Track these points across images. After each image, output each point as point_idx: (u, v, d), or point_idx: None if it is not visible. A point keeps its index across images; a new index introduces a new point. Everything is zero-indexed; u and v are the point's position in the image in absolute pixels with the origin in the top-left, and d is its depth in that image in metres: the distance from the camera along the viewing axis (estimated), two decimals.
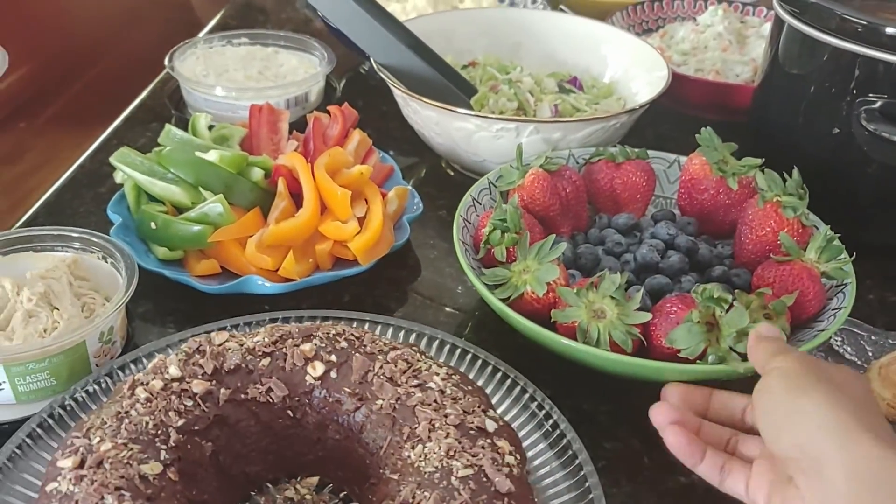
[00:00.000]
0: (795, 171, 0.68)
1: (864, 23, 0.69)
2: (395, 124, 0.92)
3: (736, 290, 0.59)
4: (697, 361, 0.57)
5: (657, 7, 1.15)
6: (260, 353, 0.53)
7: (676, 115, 1.00)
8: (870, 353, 0.63)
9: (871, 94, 0.70)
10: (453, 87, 0.87)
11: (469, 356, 0.61)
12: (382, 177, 0.84)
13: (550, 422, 0.56)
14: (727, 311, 0.57)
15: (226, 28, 1.10)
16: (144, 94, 1.05)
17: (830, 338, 0.63)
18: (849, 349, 0.63)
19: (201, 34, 1.18)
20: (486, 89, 0.91)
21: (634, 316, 0.58)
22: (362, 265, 0.72)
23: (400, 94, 0.85)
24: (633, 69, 0.94)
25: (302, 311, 0.64)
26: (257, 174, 0.78)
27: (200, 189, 0.74)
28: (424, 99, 0.81)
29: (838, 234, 0.64)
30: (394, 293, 0.74)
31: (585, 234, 0.73)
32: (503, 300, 0.62)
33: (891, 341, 0.64)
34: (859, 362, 0.63)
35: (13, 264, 0.67)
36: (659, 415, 0.52)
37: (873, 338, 0.64)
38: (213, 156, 0.76)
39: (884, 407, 0.57)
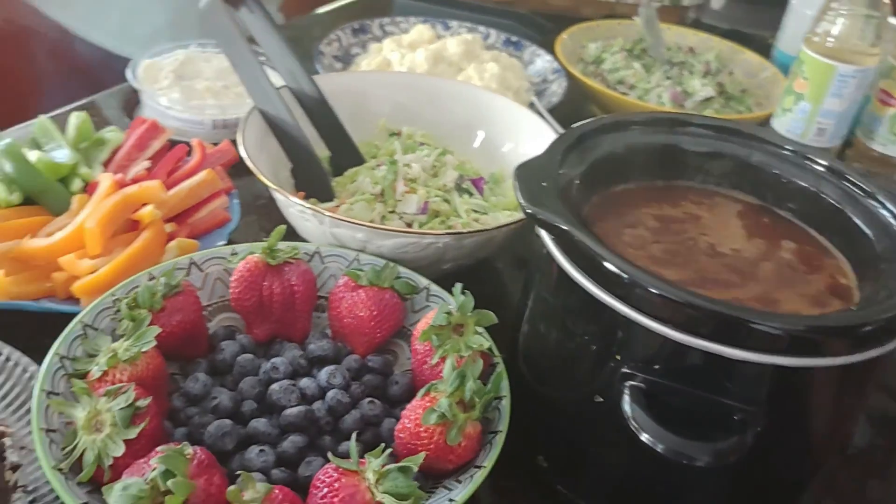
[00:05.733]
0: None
1: None
2: None
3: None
4: None
5: None
6: None
7: None
8: None
9: None
10: (312, 152, 0.81)
11: None
12: (208, 225, 0.80)
13: None
14: None
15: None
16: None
17: None
18: None
19: None
20: (372, 166, 0.84)
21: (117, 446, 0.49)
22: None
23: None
24: None
25: None
26: (77, 185, 0.78)
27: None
28: (251, 163, 0.75)
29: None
30: None
31: (282, 344, 0.65)
32: None
33: None
34: None
35: None
36: None
37: None
38: (33, 156, 0.77)
39: None
